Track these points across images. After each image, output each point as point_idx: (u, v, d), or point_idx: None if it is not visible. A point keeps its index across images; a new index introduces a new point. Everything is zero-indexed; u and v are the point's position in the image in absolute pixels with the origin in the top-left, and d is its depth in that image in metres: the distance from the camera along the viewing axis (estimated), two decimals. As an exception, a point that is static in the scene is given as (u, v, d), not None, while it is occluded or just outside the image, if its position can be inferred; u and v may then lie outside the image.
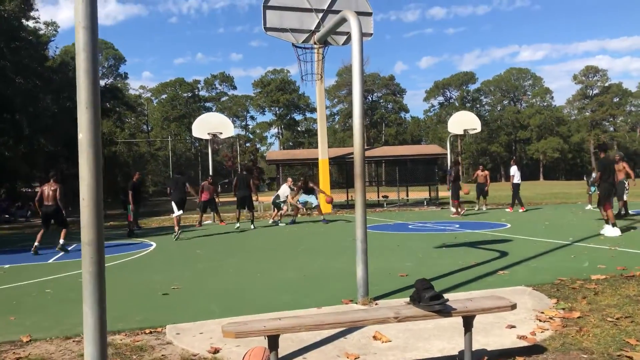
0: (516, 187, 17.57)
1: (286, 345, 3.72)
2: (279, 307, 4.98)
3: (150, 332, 4.31)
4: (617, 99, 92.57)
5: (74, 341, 4.12)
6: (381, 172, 38.82)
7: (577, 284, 5.43)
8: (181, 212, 12.60)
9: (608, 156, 11.47)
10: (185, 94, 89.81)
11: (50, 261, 9.23)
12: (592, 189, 17.63)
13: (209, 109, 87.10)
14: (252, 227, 14.19)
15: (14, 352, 3.87)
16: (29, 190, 41.59)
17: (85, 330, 2.58)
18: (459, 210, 16.52)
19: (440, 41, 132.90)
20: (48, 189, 10.32)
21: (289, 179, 17.10)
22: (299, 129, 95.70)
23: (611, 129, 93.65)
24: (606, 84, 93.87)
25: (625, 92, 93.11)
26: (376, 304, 4.91)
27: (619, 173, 12.80)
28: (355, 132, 4.91)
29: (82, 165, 2.51)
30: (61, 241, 10.22)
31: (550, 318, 4.23)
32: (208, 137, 18.69)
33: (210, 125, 18.90)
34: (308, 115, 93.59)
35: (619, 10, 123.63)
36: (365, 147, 26.49)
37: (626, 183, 13.70)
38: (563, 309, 4.51)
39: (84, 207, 2.53)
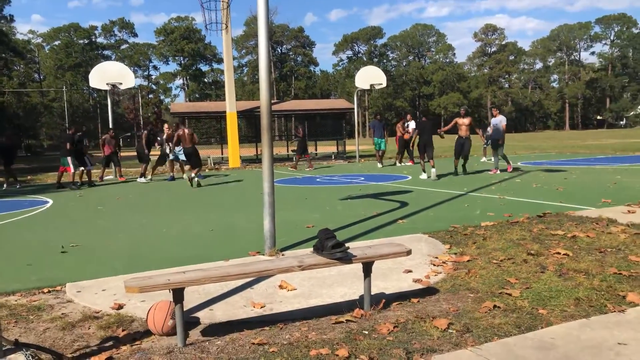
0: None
1: (192, 298, 3.74)
2: (186, 261, 4.96)
3: (49, 292, 4.15)
4: (513, 57, 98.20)
5: (-38, 304, 3.88)
6: (290, 126, 38.85)
7: (468, 231, 5.87)
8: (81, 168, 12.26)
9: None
10: (81, 41, 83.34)
11: None
12: (487, 142, 18.82)
13: (107, 58, 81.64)
14: (142, 180, 14.42)
15: None
16: None
17: (-26, 292, 2.44)
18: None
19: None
20: None
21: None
22: (205, 80, 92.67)
23: (506, 85, 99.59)
24: (503, 42, 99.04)
25: (520, 51, 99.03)
26: (283, 255, 5.03)
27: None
28: (261, 84, 4.87)
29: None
30: None
31: (443, 262, 4.57)
32: (107, 87, 17.65)
33: (109, 75, 17.83)
34: (215, 66, 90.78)
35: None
36: (275, 101, 26.32)
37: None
38: (455, 253, 4.88)
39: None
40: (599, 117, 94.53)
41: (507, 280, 3.94)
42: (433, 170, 12.47)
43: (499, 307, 3.34)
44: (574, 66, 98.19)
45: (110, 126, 17.37)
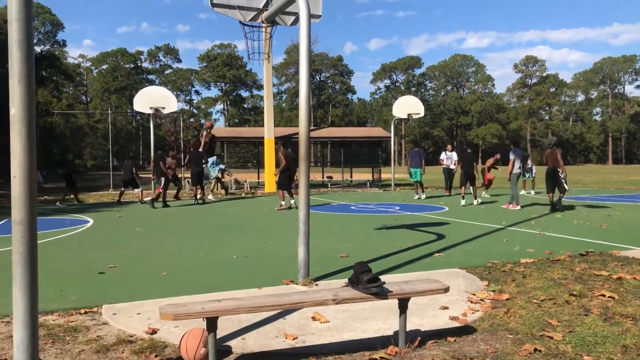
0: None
1: (225, 325, 3.73)
2: (220, 287, 4.97)
3: (86, 312, 4.21)
4: (554, 89, 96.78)
5: (2, 322, 3.97)
6: (326, 153, 39.03)
7: (507, 267, 5.71)
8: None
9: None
10: (127, 65, 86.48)
11: (-22, 237, 8.78)
12: (527, 175, 18.45)
13: (152, 82, 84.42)
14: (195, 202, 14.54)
15: (-64, 333, 3.69)
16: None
17: (15, 314, 2.49)
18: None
19: (391, 24, 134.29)
20: None
21: None
22: (245, 105, 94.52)
23: (547, 117, 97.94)
24: (544, 74, 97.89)
25: (561, 83, 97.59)
26: (316, 285, 4.99)
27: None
28: (301, 114, 4.91)
29: (14, 142, 2.39)
30: None
31: (481, 300, 4.44)
32: (150, 111, 18.17)
33: (153, 99, 18.37)
34: (255, 92, 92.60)
35: (562, 1, 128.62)
36: (312, 128, 26.57)
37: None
38: (493, 291, 4.74)
39: (15, 184, 2.42)
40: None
41: (548, 322, 3.79)
42: (476, 200, 14.14)
43: (540, 350, 3.21)
44: (617, 99, 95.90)
45: (152, 148, 17.80)
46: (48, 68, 46.82)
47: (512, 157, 13.19)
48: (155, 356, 3.24)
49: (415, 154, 17.53)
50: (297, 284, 5.06)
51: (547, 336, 3.46)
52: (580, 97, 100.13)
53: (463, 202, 13.90)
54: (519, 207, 12.79)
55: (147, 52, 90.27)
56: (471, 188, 14.15)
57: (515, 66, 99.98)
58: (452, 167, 17.68)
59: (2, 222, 10.39)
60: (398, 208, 13.37)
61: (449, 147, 18.18)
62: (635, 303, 4.23)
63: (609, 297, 4.40)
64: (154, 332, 3.69)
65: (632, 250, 6.69)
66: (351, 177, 26.98)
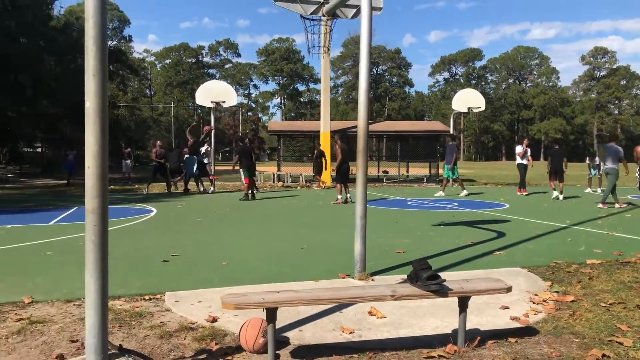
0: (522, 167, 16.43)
1: (283, 316, 3.78)
2: (277, 278, 5.05)
3: (150, 299, 4.38)
4: (624, 82, 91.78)
5: (74, 304, 4.19)
6: (382, 147, 38.75)
7: (572, 268, 5.49)
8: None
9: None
10: (189, 60, 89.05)
11: (51, 223, 9.30)
12: (593, 172, 17.61)
13: (212, 76, 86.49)
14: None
15: (16, 314, 3.94)
16: (31, 150, 41.62)
17: (87, 299, 2.62)
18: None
19: (451, 15, 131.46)
20: None
21: None
22: (301, 99, 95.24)
23: (616, 112, 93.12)
24: (614, 66, 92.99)
25: (633, 75, 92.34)
26: (372, 280, 4.97)
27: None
28: (360, 108, 4.89)
29: (89, 134, 2.51)
30: None
31: (544, 301, 4.29)
32: (211, 105, 18.61)
33: (214, 93, 18.78)
34: (311, 86, 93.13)
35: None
36: (369, 121, 26.51)
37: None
38: (557, 292, 4.57)
39: (89, 175, 2.54)
40: None
41: (617, 326, 3.61)
42: (560, 194, 14.40)
43: (608, 356, 3.07)
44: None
45: (212, 141, 18.27)
46: (115, 62, 48.79)
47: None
48: (216, 344, 3.33)
49: (446, 149, 16.30)
50: (353, 278, 5.06)
51: (617, 342, 3.30)
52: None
53: (555, 193, 14.46)
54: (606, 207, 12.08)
55: (208, 46, 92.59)
56: (560, 184, 14.42)
57: (582, 58, 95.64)
58: (525, 162, 16.03)
59: (72, 209, 10.94)
60: (456, 204, 13.11)
61: (526, 141, 16.49)
62: None
63: (684, 303, 4.14)
64: (214, 320, 3.79)
65: None
66: (407, 172, 26.68)
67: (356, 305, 4.11)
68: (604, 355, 3.07)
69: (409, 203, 13.44)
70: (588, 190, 17.70)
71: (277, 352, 3.13)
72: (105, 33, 2.51)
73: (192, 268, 5.61)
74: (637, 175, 12.61)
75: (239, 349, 3.24)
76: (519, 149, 16.24)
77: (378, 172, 26.17)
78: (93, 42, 2.44)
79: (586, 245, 7.01)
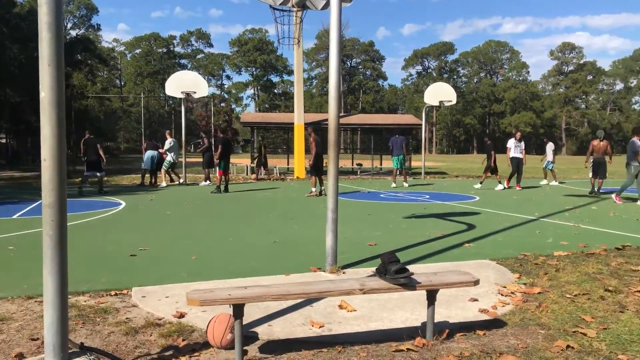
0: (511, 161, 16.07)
1: (252, 311, 3.73)
2: (248, 272, 4.99)
3: (116, 294, 4.27)
4: (591, 77, 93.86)
5: (36, 301, 4.06)
6: (356, 140, 38.88)
7: (539, 260, 5.57)
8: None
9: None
10: (160, 50, 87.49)
11: (15, 216, 9.03)
12: (550, 165, 17.78)
13: (184, 66, 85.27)
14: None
15: (-27, 311, 3.80)
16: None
17: (45, 295, 2.52)
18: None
19: (425, 9, 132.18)
20: None
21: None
22: (275, 91, 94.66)
23: (583, 106, 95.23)
24: (581, 62, 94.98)
25: (599, 71, 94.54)
26: (344, 273, 4.96)
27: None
28: (330, 101, 4.85)
29: (44, 125, 2.40)
30: None
31: (512, 293, 4.34)
32: (182, 95, 18.32)
33: (184, 83, 18.50)
34: (285, 77, 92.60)
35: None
36: (342, 114, 26.55)
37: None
38: (524, 284, 4.63)
39: (45, 168, 2.44)
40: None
41: (582, 318, 3.67)
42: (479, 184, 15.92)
43: (572, 347, 3.11)
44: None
45: (184, 132, 18.01)
46: (83, 52, 47.61)
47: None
48: (183, 340, 3.26)
49: (395, 141, 16.35)
50: (324, 271, 5.04)
51: (581, 332, 3.35)
52: (619, 86, 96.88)
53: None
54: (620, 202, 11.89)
55: (179, 36, 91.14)
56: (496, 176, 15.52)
57: (551, 53, 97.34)
58: (520, 156, 15.70)
59: (38, 202, 10.65)
60: (428, 197, 13.21)
61: (519, 134, 15.95)
62: (675, 301, 4.07)
63: (646, 293, 4.24)
64: (181, 316, 3.72)
65: (672, 245, 6.45)
66: (381, 164, 26.81)
67: (327, 299, 4.08)
68: (568, 346, 3.11)
69: (382, 195, 13.49)
70: (544, 182, 17.96)
71: (245, 347, 3.08)
72: (62, 19, 2.40)
73: (160, 262, 5.51)
74: (590, 166, 13.55)
75: (206, 345, 3.19)
76: (509, 142, 15.88)
77: (352, 165, 26.24)
78: (47, 29, 2.32)
79: (553, 237, 7.13)
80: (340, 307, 3.92)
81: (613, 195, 12.15)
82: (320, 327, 3.52)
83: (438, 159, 52.76)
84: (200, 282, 4.62)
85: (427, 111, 22.44)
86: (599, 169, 13.85)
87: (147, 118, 66.81)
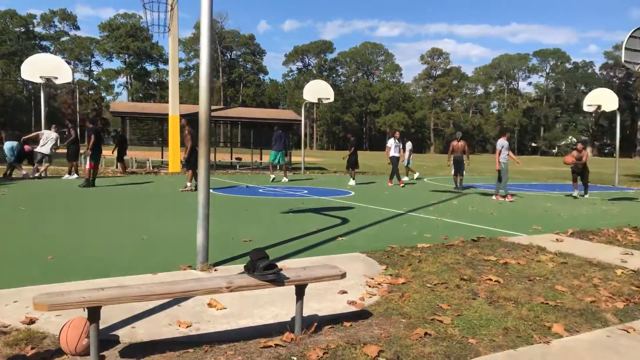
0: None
1: (114, 313, 3.50)
2: (112, 272, 4.69)
3: (-48, 301, 3.78)
4: (456, 82, 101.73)
5: None
6: (236, 133, 38.44)
7: (405, 252, 5.88)
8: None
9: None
10: (17, 29, 79.41)
11: None
12: (410, 162, 19.14)
13: (46, 49, 78.36)
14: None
15: None
16: None
17: None
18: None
19: (306, 6, 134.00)
20: None
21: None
22: (150, 80, 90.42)
23: (449, 108, 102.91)
24: (448, 67, 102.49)
25: (463, 76, 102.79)
26: (215, 270, 4.85)
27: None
28: (201, 92, 4.70)
29: None
30: None
31: (379, 284, 4.53)
32: (40, 80, 16.79)
33: (44, 67, 16.98)
34: (161, 66, 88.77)
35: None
36: (221, 107, 26.15)
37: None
38: (391, 275, 4.86)
39: None
40: (533, 144, 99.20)
41: (439, 305, 3.93)
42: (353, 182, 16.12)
43: (430, 334, 3.32)
44: (512, 94, 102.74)
45: (42, 121, 16.54)
46: None
47: (498, 147, 12.72)
48: (32, 348, 2.98)
49: (275, 136, 16.47)
50: (195, 269, 4.89)
51: (438, 320, 3.58)
52: (480, 91, 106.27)
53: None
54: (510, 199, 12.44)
55: (40, 15, 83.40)
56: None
57: (421, 57, 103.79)
58: (397, 155, 16.19)
59: None
60: (306, 192, 13.42)
61: (397, 134, 16.47)
62: (517, 287, 4.51)
63: (495, 281, 4.65)
64: (31, 322, 3.39)
65: (517, 237, 7.16)
66: (261, 159, 26.77)
67: (196, 297, 3.96)
68: (426, 334, 3.31)
69: (260, 190, 13.46)
70: (405, 178, 19.10)
71: (103, 353, 2.89)
72: None
73: (10, 263, 4.98)
74: (451, 164, 15.27)
75: (59, 352, 2.93)
76: (390, 142, 16.35)
77: (231, 159, 25.89)
78: None
79: (418, 230, 7.59)
80: (210, 305, 3.83)
81: (500, 198, 12.61)
82: (187, 326, 3.41)
83: (318, 155, 53.94)
84: (55, 284, 4.25)
85: (307, 107, 22.80)
86: (458, 167, 15.10)
87: (1, 103, 60.48)
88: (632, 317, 3.84)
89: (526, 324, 3.55)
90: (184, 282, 3.03)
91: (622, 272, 5.13)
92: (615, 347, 3.24)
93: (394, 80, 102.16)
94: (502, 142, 12.60)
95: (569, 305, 4.02)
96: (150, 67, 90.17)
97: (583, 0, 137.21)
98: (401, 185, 16.13)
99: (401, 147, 16.53)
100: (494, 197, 12.68)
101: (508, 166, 12.53)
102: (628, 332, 3.50)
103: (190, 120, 12.95)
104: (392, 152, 16.10)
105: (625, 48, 10.36)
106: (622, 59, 10.53)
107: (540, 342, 3.25)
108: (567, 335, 3.41)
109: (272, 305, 3.88)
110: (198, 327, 3.42)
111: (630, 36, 10.35)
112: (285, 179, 16.93)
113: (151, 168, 20.65)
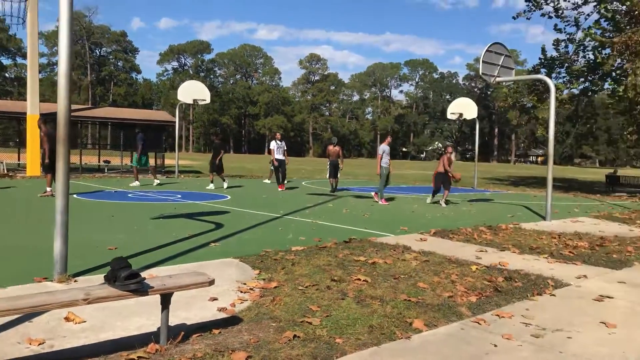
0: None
1: (-51, 336, 3.12)
2: (-51, 288, 4.17)
3: None
4: (333, 87, 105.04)
5: None
6: (106, 135, 36.23)
7: (279, 255, 5.92)
8: None
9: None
10: None
11: None
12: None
13: None
14: None
15: None
16: None
17: None
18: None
19: (183, 4, 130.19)
20: None
21: None
22: (7, 75, 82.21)
23: (327, 113, 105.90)
24: (326, 73, 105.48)
25: (340, 82, 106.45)
26: (75, 281, 4.52)
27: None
28: (60, 91, 4.35)
29: None
30: None
31: (251, 289, 4.50)
32: None
33: None
34: (20, 60, 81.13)
35: (346, 5, 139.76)
36: (88, 106, 24.63)
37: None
38: (263, 279, 4.86)
39: None
40: (404, 149, 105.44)
41: (309, 307, 4.00)
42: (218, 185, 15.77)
43: (298, 336, 3.36)
44: (385, 101, 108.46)
45: None
46: None
47: (380, 152, 13.24)
48: None
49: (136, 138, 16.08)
50: (52, 281, 4.51)
51: (307, 322, 3.65)
52: (356, 97, 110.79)
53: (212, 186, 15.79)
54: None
55: None
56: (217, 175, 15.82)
57: (300, 62, 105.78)
58: (281, 157, 16.31)
59: None
60: (180, 196, 13.01)
61: (279, 135, 16.73)
62: (383, 285, 4.74)
63: (363, 280, 4.85)
64: None
65: (386, 237, 7.54)
66: (131, 162, 25.44)
67: (52, 311, 3.65)
68: (295, 336, 3.35)
69: (129, 195, 12.80)
70: (267, 181, 19.41)
71: None
72: None
73: None
74: (327, 167, 15.89)
75: None
76: (272, 144, 16.36)
77: (99, 162, 24.32)
78: None
79: (293, 233, 7.69)
80: (67, 319, 3.55)
81: (378, 199, 13.18)
82: (39, 344, 3.13)
83: (194, 157, 52.52)
84: None
85: (182, 108, 22.12)
86: (333, 170, 15.71)
87: None
88: (483, 309, 4.20)
89: (390, 321, 3.74)
90: (33, 296, 2.77)
91: (477, 268, 5.61)
92: (467, 338, 3.52)
93: (273, 83, 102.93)
94: (383, 147, 13.30)
95: (429, 301, 4.31)
96: (6, 61, 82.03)
97: (449, 15, 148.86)
98: (280, 189, 16.07)
99: (285, 148, 16.63)
100: (373, 195, 13.65)
101: (389, 170, 13.24)
102: (479, 323, 3.82)
103: (51, 120, 11.94)
104: (277, 155, 16.18)
105: (483, 61, 11.32)
106: (480, 72, 11.48)
107: (402, 338, 3.43)
108: (426, 329, 3.65)
109: (137, 316, 3.70)
110: (52, 343, 3.16)
111: (486, 50, 11.34)
112: (156, 181, 16.34)
113: (5, 171, 18.76)
